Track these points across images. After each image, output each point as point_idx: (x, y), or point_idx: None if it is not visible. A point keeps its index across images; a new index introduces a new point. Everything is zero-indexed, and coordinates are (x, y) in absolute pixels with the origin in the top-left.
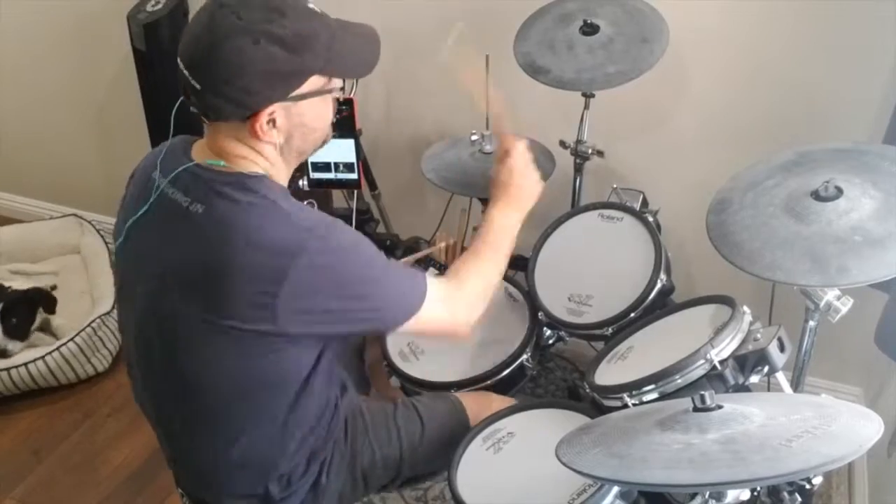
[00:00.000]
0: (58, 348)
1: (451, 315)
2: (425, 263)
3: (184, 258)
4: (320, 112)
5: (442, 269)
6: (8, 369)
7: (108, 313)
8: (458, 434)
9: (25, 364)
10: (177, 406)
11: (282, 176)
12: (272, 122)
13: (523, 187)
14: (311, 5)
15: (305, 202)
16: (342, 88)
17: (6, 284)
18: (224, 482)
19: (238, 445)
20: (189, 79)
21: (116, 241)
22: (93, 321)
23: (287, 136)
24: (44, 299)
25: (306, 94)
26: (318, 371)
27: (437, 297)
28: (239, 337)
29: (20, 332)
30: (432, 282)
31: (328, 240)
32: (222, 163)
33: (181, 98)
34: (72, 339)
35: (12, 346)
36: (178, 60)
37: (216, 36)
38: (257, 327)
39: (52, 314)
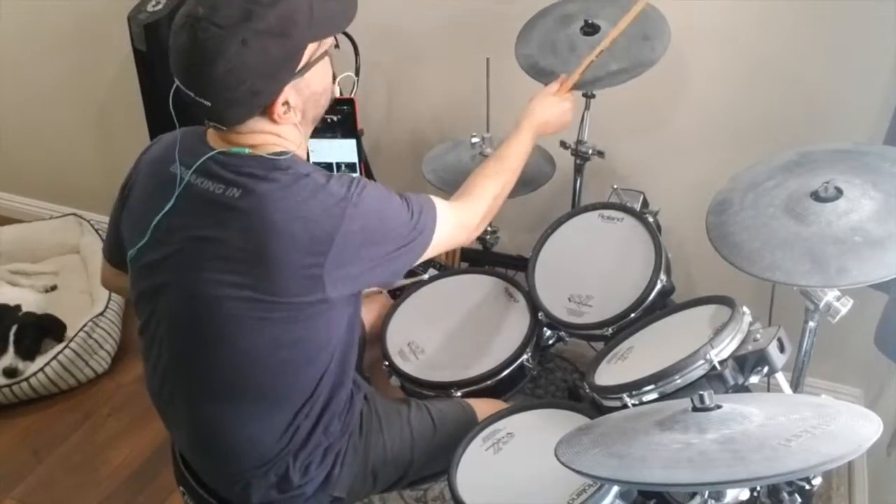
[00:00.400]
0: (55, 357)
1: (459, 235)
2: (426, 264)
3: (230, 243)
4: (323, 73)
5: (441, 269)
6: (10, 385)
7: (101, 314)
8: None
9: (27, 378)
10: (213, 391)
11: (301, 151)
12: (286, 104)
13: (558, 124)
14: None
15: None
16: (335, 45)
17: (19, 304)
18: (250, 464)
19: (270, 425)
20: (196, 99)
21: (137, 242)
22: (85, 324)
23: (303, 111)
24: (55, 328)
25: (307, 66)
26: (339, 347)
27: (448, 222)
28: (286, 312)
29: (31, 354)
30: (442, 206)
31: (361, 204)
32: (247, 150)
33: (174, 85)
34: (67, 346)
35: (23, 365)
36: (177, 81)
37: (205, 54)
38: (307, 298)
39: (60, 342)
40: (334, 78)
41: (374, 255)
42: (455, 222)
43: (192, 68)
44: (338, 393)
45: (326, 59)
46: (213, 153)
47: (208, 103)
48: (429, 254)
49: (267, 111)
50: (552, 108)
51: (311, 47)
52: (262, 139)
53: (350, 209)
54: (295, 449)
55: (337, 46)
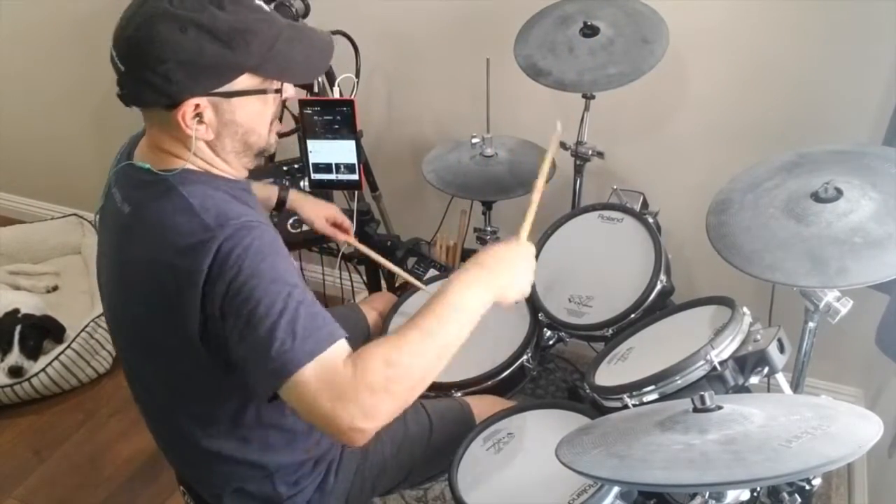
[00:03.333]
0: (57, 357)
1: (329, 400)
2: (426, 265)
3: (120, 258)
4: (254, 112)
5: (442, 270)
6: (12, 385)
7: (102, 315)
8: (467, 433)
9: (29, 378)
10: (169, 406)
11: (220, 165)
12: (198, 116)
13: (502, 275)
14: (259, 2)
15: None
16: (278, 91)
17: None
18: (229, 480)
19: (241, 446)
20: (115, 60)
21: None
22: (87, 325)
23: (217, 133)
24: (55, 328)
25: (237, 92)
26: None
27: (326, 365)
28: (186, 340)
29: (34, 354)
30: (341, 353)
31: (232, 240)
32: (147, 166)
33: None
34: (69, 346)
35: (27, 364)
36: (111, 42)
37: (144, 19)
38: (182, 328)
39: (59, 343)
40: (282, 130)
41: (228, 310)
42: (329, 382)
43: (125, 28)
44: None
45: (266, 101)
46: (124, 163)
47: (122, 68)
48: (285, 395)
49: (175, 110)
50: (509, 254)
51: (249, 77)
52: (170, 146)
53: (213, 246)
54: (270, 465)
55: (282, 97)
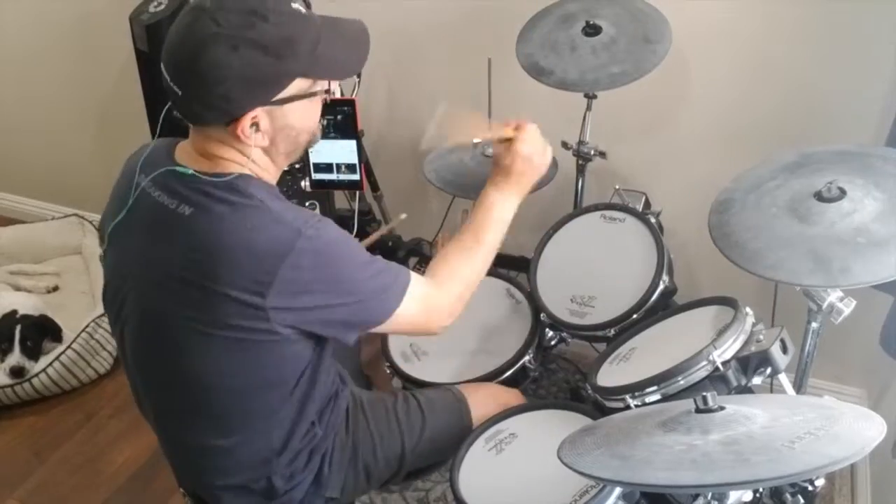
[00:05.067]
0: (57, 357)
1: (426, 317)
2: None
3: (174, 261)
4: (306, 114)
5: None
6: (12, 385)
7: (103, 315)
8: (460, 425)
9: (29, 379)
10: (175, 406)
11: (270, 176)
12: (255, 125)
13: (526, 173)
14: (295, 5)
15: (308, 203)
16: (328, 91)
17: (15, 309)
18: (226, 477)
19: (239, 442)
20: (171, 84)
21: (102, 245)
22: (87, 325)
23: (272, 139)
24: (53, 328)
25: (290, 98)
26: (316, 369)
27: (416, 296)
28: (233, 337)
29: (35, 354)
30: (417, 281)
31: (315, 239)
32: (190, 171)
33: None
34: (69, 347)
35: (29, 364)
36: (162, 65)
37: (195, 42)
38: (250, 326)
39: (57, 341)
40: (327, 128)
41: (322, 299)
42: (425, 305)
43: (178, 53)
44: (319, 406)
45: (315, 101)
46: (172, 167)
47: (179, 92)
48: (387, 327)
49: (233, 124)
50: (526, 156)
51: (300, 81)
52: (225, 153)
53: (301, 242)
54: (269, 461)
55: (329, 95)
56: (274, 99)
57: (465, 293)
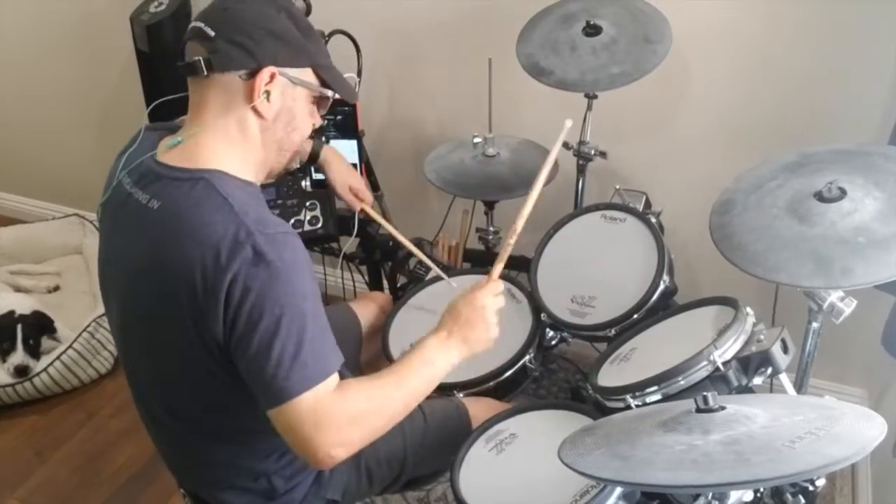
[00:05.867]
0: (58, 357)
1: (313, 428)
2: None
3: (143, 255)
4: (306, 111)
5: (444, 269)
6: (13, 384)
7: (103, 315)
8: (461, 434)
9: (30, 378)
10: (167, 407)
11: (252, 163)
12: (268, 93)
13: (476, 327)
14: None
15: (308, 203)
16: (327, 98)
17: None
18: (224, 478)
19: (231, 443)
20: (203, 28)
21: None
22: (89, 325)
23: (275, 116)
24: (46, 323)
25: (303, 82)
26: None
27: (320, 395)
28: (196, 339)
29: (36, 353)
30: (333, 378)
31: (268, 245)
32: (180, 139)
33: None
34: (70, 346)
35: (32, 363)
36: (193, 22)
37: None
38: (207, 330)
39: (53, 337)
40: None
41: (243, 314)
42: (320, 414)
43: (223, 3)
44: None
45: (317, 105)
46: (146, 157)
47: (212, 33)
48: (274, 416)
49: (251, 80)
50: (475, 313)
51: (313, 74)
52: (224, 120)
53: (248, 246)
54: (268, 462)
55: (344, 104)
56: (292, 71)
57: (364, 434)
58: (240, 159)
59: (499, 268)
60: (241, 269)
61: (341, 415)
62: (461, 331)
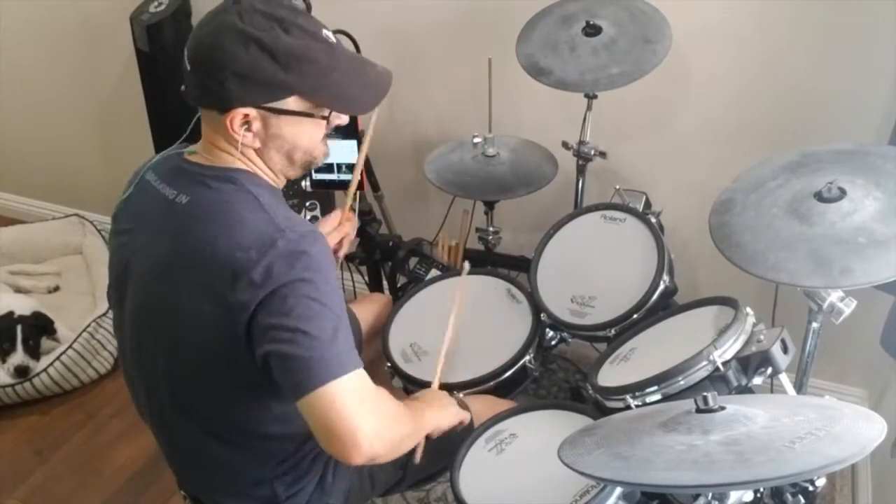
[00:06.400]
0: (58, 357)
1: (360, 415)
2: (428, 265)
3: (172, 249)
4: (301, 132)
5: (444, 269)
6: (13, 385)
7: (104, 315)
8: (464, 436)
9: (30, 378)
10: (175, 409)
11: (271, 178)
12: (247, 124)
13: (444, 411)
14: (326, 33)
15: (308, 203)
16: (326, 117)
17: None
18: (225, 482)
19: (235, 447)
20: (185, 60)
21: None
22: (89, 325)
23: (263, 144)
24: (46, 323)
25: (285, 111)
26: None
27: (366, 385)
28: (220, 336)
29: (36, 353)
30: (369, 384)
31: (296, 243)
32: (195, 150)
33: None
34: (70, 347)
35: (32, 364)
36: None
37: (215, 28)
38: (219, 323)
39: (53, 337)
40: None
41: (276, 307)
42: (369, 401)
43: (200, 32)
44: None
45: (316, 125)
46: (173, 156)
47: (188, 67)
48: (319, 399)
49: (225, 115)
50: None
51: (300, 100)
52: (223, 145)
53: (282, 242)
54: (270, 466)
55: (330, 125)
56: (267, 105)
57: (396, 438)
58: (255, 168)
59: (437, 376)
60: (274, 262)
61: (386, 404)
62: (439, 411)
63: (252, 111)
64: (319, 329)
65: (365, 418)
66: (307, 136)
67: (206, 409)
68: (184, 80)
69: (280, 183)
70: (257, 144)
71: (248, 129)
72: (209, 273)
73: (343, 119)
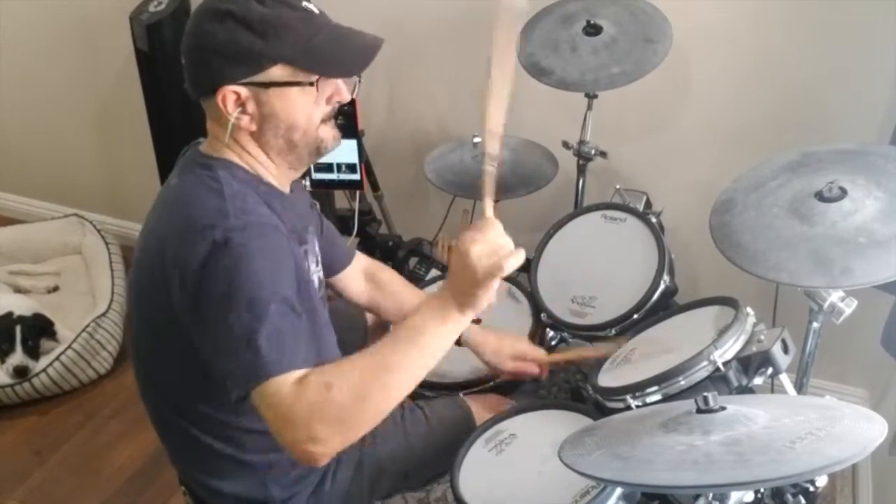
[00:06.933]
0: (57, 357)
1: (277, 427)
2: (427, 265)
3: (145, 233)
4: (295, 107)
5: (444, 270)
6: (13, 385)
7: (103, 315)
8: (465, 435)
9: (29, 379)
10: (160, 397)
11: (269, 172)
12: (241, 106)
13: (461, 279)
14: (306, 4)
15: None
16: (312, 83)
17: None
18: (220, 478)
19: (226, 442)
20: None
21: None
22: (88, 325)
23: (259, 126)
24: (46, 325)
25: (272, 83)
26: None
27: (271, 399)
28: (182, 333)
29: (35, 353)
30: (297, 376)
31: (235, 233)
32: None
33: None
34: (69, 347)
35: (32, 364)
36: None
37: (195, 14)
38: (176, 307)
39: (53, 338)
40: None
41: (200, 301)
42: (281, 405)
43: (186, 26)
44: None
45: (307, 96)
46: (192, 144)
47: (183, 61)
48: (254, 401)
49: (217, 97)
50: (459, 255)
51: (283, 68)
52: (220, 135)
53: (218, 233)
54: (265, 467)
55: (342, 109)
56: (253, 78)
57: (336, 416)
58: (249, 162)
59: (489, 203)
60: (207, 250)
61: (301, 407)
62: (453, 290)
63: (243, 90)
64: (237, 334)
65: (285, 432)
66: (301, 112)
67: (181, 395)
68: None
69: (285, 180)
70: (253, 127)
71: (244, 112)
72: (158, 255)
73: (342, 95)
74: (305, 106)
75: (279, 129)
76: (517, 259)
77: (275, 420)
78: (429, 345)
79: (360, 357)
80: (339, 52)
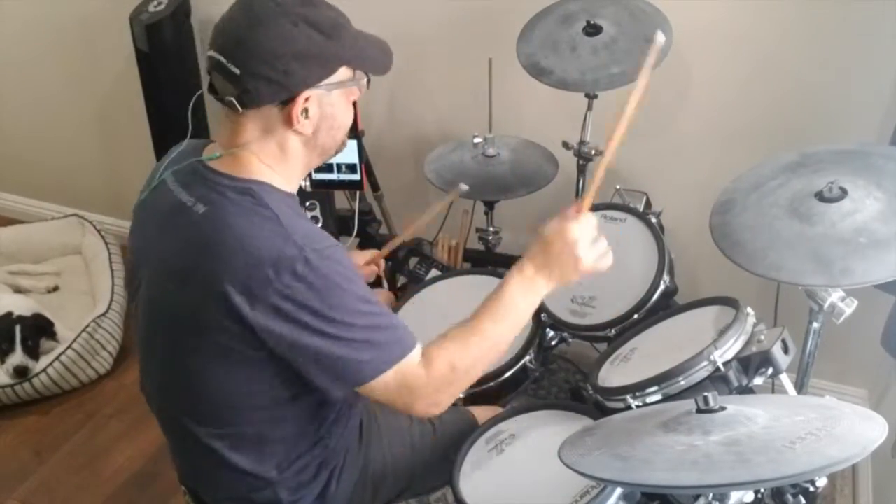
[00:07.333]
0: (57, 357)
1: (408, 399)
2: (428, 265)
3: (181, 255)
4: (346, 104)
5: (444, 270)
6: (13, 385)
7: (103, 315)
8: (465, 437)
9: (29, 379)
10: (174, 402)
11: (295, 175)
12: (306, 111)
13: (565, 265)
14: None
15: (308, 203)
16: (369, 83)
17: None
18: (228, 483)
19: (238, 448)
20: (226, 65)
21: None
22: (88, 325)
23: (315, 129)
24: (46, 325)
25: (337, 84)
26: (305, 410)
27: (403, 372)
28: (224, 345)
29: (35, 353)
30: (411, 357)
31: (316, 261)
32: (218, 154)
33: (195, 97)
34: (70, 347)
35: (32, 364)
36: (211, 52)
37: (257, 20)
38: (238, 334)
39: (53, 339)
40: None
41: (301, 319)
42: (409, 388)
43: (239, 31)
44: (325, 421)
45: (351, 97)
46: (193, 160)
47: (237, 71)
48: (366, 392)
49: (287, 107)
50: (561, 248)
51: (345, 70)
52: (264, 144)
53: (300, 262)
54: (273, 471)
55: (361, 92)
56: (325, 82)
57: (454, 386)
58: (282, 174)
59: (588, 201)
60: (291, 283)
61: (430, 385)
62: (548, 268)
63: (313, 93)
64: (349, 343)
65: (414, 404)
66: (348, 113)
67: (207, 410)
68: (232, 87)
69: (294, 186)
70: (310, 130)
71: (306, 116)
72: (219, 285)
73: (356, 95)
74: (350, 109)
75: (332, 130)
76: (609, 259)
77: (405, 395)
78: (523, 317)
79: (469, 333)
80: (377, 53)
